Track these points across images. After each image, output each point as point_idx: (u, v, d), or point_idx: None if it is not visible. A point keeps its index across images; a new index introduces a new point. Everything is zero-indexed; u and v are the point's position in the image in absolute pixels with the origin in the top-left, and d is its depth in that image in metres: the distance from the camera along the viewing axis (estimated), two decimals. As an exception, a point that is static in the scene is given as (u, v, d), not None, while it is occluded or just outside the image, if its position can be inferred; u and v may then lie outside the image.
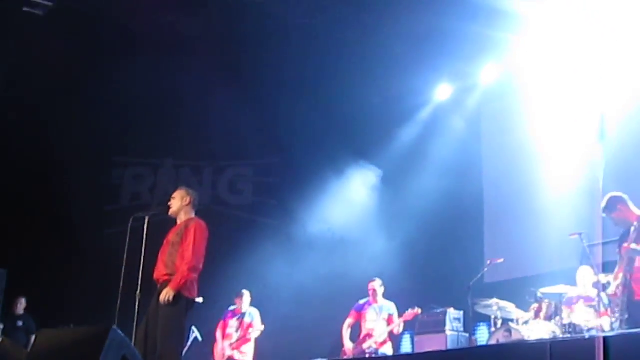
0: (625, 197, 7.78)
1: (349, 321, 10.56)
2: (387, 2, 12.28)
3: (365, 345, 10.27)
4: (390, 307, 10.58)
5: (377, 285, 10.60)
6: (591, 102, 10.84)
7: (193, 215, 7.69)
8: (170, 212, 7.69)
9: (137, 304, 7.43)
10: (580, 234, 8.79)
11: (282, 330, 11.40)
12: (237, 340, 10.78)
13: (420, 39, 12.30)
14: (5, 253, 11.22)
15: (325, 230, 12.95)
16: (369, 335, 10.36)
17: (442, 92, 13.54)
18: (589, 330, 8.49)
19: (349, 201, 13.25)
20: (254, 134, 13.92)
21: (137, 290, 7.46)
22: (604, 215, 7.88)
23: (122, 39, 13.14)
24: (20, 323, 12.05)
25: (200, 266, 7.36)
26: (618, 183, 9.09)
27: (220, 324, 11.06)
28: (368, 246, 12.88)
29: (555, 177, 11.38)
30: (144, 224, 7.76)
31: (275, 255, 12.75)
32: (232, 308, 11.12)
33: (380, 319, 10.44)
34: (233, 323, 10.92)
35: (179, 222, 7.66)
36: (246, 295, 11.02)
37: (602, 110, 10.34)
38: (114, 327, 6.72)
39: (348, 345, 10.35)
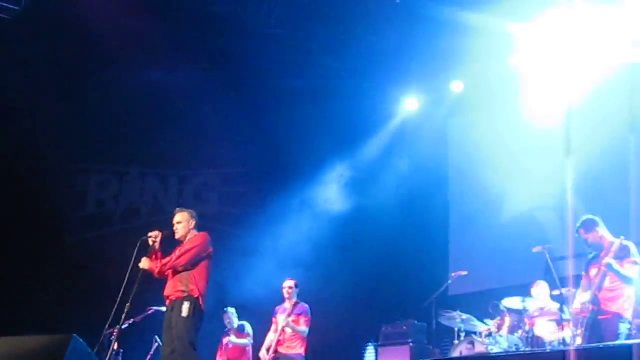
0: (599, 220, 7.92)
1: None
2: (356, 17, 12.36)
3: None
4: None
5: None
6: (558, 117, 10.95)
7: (196, 232, 7.96)
8: (178, 236, 7.90)
9: (124, 315, 7.56)
10: (543, 247, 8.88)
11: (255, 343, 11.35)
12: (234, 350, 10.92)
13: (389, 52, 12.39)
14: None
15: (290, 240, 12.91)
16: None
17: (409, 104, 13.61)
18: (550, 343, 8.57)
19: (316, 213, 13.24)
20: (221, 143, 13.89)
21: (126, 302, 7.52)
22: (577, 235, 7.97)
23: (92, 46, 13.05)
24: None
25: (181, 269, 7.63)
26: (584, 199, 9.21)
27: (219, 351, 11.18)
28: (334, 259, 12.86)
29: (521, 192, 11.48)
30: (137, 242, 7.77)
31: (239, 265, 12.70)
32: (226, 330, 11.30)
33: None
34: (232, 339, 11.10)
35: (184, 242, 7.89)
36: (232, 313, 11.24)
37: (569, 125, 10.44)
38: (75, 336, 6.64)
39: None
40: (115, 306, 7.52)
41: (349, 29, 12.69)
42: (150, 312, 9.75)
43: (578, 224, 7.94)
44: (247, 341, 11.06)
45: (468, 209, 12.87)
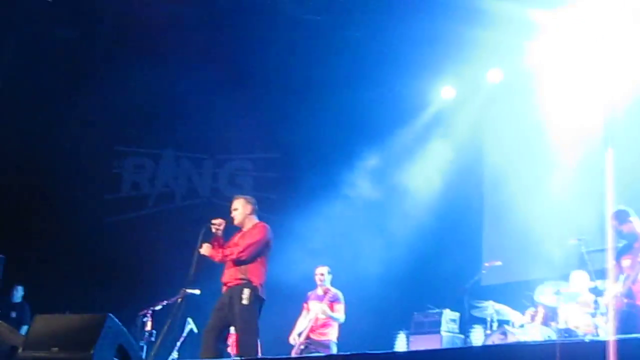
0: (631, 210, 7.86)
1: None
2: (392, 3, 12.31)
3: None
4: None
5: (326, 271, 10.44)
6: (598, 107, 10.83)
7: (257, 220, 8.04)
8: (236, 222, 7.99)
9: (182, 299, 7.76)
10: (579, 240, 8.80)
11: (278, 327, 11.36)
12: None
13: (426, 41, 12.32)
14: (4, 240, 11.21)
15: (324, 228, 12.91)
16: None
17: (446, 93, 13.54)
18: (584, 335, 8.50)
19: (349, 199, 13.22)
20: (255, 128, 13.91)
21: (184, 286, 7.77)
22: (611, 225, 7.91)
23: (128, 31, 13.14)
24: (13, 314, 11.99)
25: (250, 258, 7.71)
26: (622, 191, 9.09)
27: None
28: (367, 246, 12.85)
29: (557, 182, 11.37)
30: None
31: (274, 251, 12.73)
32: None
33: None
34: None
35: (244, 229, 7.97)
36: None
37: (609, 116, 10.33)
38: (111, 315, 6.73)
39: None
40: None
41: (385, 15, 12.64)
42: (187, 292, 9.81)
43: (612, 216, 7.87)
44: None
45: (503, 199, 12.77)
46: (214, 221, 7.83)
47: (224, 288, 7.76)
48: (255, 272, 7.68)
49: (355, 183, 13.18)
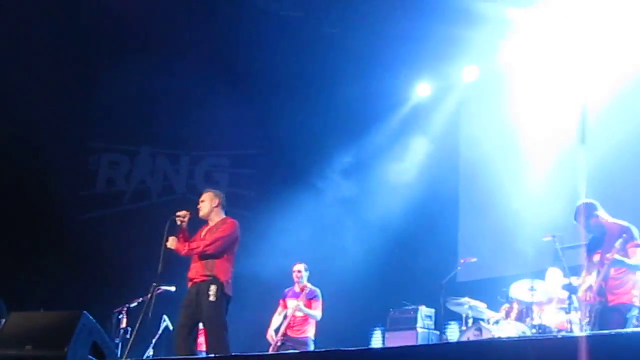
0: (597, 203, 7.87)
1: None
2: (369, 1, 12.33)
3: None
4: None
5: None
6: (572, 105, 10.91)
7: (224, 215, 8.02)
8: (201, 214, 7.97)
9: (151, 295, 7.59)
10: (553, 236, 8.85)
11: (253, 324, 11.34)
12: None
13: (403, 38, 12.37)
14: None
15: (300, 224, 12.92)
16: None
17: (422, 90, 13.60)
18: (558, 331, 8.57)
19: (325, 196, 13.23)
20: (232, 125, 13.88)
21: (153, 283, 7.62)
22: (576, 222, 7.92)
23: (104, 26, 13.07)
24: (-12, 308, 11.90)
25: (216, 253, 7.68)
26: (599, 188, 9.18)
27: None
28: (343, 242, 12.88)
29: (532, 179, 11.45)
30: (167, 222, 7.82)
31: (248, 247, 12.71)
32: None
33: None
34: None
35: (210, 223, 7.94)
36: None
37: (584, 114, 10.41)
38: (85, 312, 6.70)
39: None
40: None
41: (362, 13, 12.66)
42: (159, 291, 9.76)
43: (579, 211, 7.83)
44: None
45: (478, 196, 12.86)
46: (178, 213, 7.80)
47: (190, 283, 7.74)
48: (221, 269, 7.65)
49: (331, 180, 13.20)
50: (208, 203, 7.96)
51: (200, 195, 8.12)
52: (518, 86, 12.28)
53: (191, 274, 7.74)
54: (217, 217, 7.95)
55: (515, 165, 11.89)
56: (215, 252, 7.66)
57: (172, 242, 7.70)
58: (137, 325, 7.45)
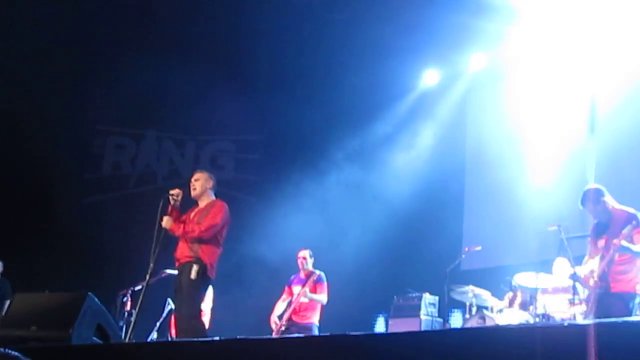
0: (604, 189, 7.83)
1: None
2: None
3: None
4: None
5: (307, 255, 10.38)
6: (580, 94, 10.87)
7: (214, 197, 7.97)
8: (194, 194, 7.91)
9: (148, 275, 7.54)
10: (559, 226, 8.83)
11: (258, 309, 11.36)
12: None
13: (410, 25, 12.32)
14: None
15: (305, 210, 12.92)
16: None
17: (429, 77, 13.56)
18: (562, 320, 8.57)
19: (330, 182, 13.22)
20: (238, 110, 13.88)
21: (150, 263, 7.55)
22: (582, 207, 7.89)
23: (113, 13, 13.07)
24: (-5, 289, 11.95)
25: (210, 238, 7.65)
26: (606, 176, 9.14)
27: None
28: (348, 229, 12.88)
29: (538, 168, 11.43)
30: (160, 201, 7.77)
31: (253, 232, 12.73)
32: None
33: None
34: None
35: (200, 204, 7.90)
36: None
37: (593, 103, 10.36)
38: (90, 294, 6.72)
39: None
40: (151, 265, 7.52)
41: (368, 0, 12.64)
42: (163, 275, 9.78)
43: (587, 197, 7.73)
44: (205, 305, 10.63)
45: (484, 184, 12.84)
46: (172, 192, 7.76)
47: (177, 264, 7.74)
48: (207, 251, 7.61)
49: (337, 166, 13.18)
50: (202, 183, 7.90)
51: (192, 174, 8.06)
52: (526, 75, 12.24)
53: (177, 253, 7.72)
54: (207, 198, 7.89)
55: (522, 154, 11.87)
56: (211, 236, 7.63)
57: (167, 222, 7.63)
58: (138, 308, 7.45)
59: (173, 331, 10.41)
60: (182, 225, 7.66)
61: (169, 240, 7.73)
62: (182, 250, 7.67)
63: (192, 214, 7.84)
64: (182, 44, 13.59)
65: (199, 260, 7.53)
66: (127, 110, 14.51)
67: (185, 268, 7.55)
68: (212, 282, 7.78)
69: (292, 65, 13.80)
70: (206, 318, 10.58)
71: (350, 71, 13.28)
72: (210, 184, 7.95)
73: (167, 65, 13.55)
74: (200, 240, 7.61)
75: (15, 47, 12.78)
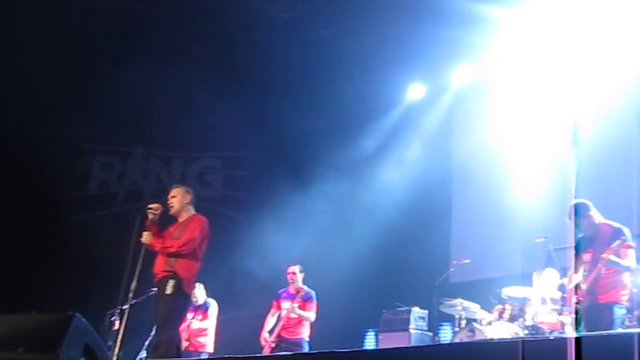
0: (590, 204, 7.89)
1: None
2: (362, 3, 12.34)
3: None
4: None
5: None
6: (564, 106, 10.90)
7: (193, 211, 7.93)
8: (172, 212, 7.88)
9: (131, 294, 7.50)
10: (546, 237, 8.88)
11: (247, 325, 11.33)
12: (194, 329, 10.60)
13: (394, 39, 12.37)
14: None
15: (293, 226, 12.91)
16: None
17: (414, 91, 13.62)
18: (551, 332, 8.59)
19: (318, 197, 13.22)
20: (225, 126, 13.88)
21: (131, 280, 7.49)
22: (569, 221, 7.93)
23: (98, 26, 13.05)
24: (-19, 308, 11.87)
25: (188, 252, 7.61)
26: (589, 189, 9.16)
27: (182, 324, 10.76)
28: (336, 244, 12.87)
29: (525, 180, 11.47)
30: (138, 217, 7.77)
31: (243, 248, 12.73)
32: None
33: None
34: (190, 315, 10.72)
35: (180, 219, 7.86)
36: (198, 287, 10.82)
37: (576, 115, 10.38)
38: (78, 314, 6.69)
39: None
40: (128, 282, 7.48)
41: (354, 14, 12.66)
42: (151, 293, 9.74)
43: (571, 211, 7.70)
44: (208, 323, 10.66)
45: (471, 197, 12.88)
46: (150, 205, 7.74)
47: (155, 279, 7.68)
48: (184, 265, 7.56)
49: (324, 181, 13.19)
50: (179, 199, 7.88)
51: (169, 192, 8.03)
52: (509, 87, 12.30)
53: (155, 268, 7.66)
54: (186, 213, 7.86)
55: (507, 166, 11.91)
56: (189, 252, 7.58)
57: (146, 237, 7.60)
58: (123, 328, 7.39)
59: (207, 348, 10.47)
60: (161, 240, 7.62)
61: (151, 256, 7.70)
62: (159, 265, 7.62)
63: (172, 229, 7.80)
64: (167, 61, 13.58)
65: (175, 275, 7.47)
66: (114, 128, 14.46)
67: (161, 284, 7.50)
68: (188, 298, 7.72)
69: (278, 82, 13.83)
70: (210, 336, 10.61)
71: (336, 86, 13.29)
72: (188, 198, 7.91)
73: (153, 83, 13.56)
74: (178, 255, 7.55)
75: (0, 65, 12.75)
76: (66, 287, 12.18)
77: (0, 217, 13.18)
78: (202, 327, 10.56)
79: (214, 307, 10.74)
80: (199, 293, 10.76)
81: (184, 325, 10.52)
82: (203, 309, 10.68)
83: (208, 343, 10.59)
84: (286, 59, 13.41)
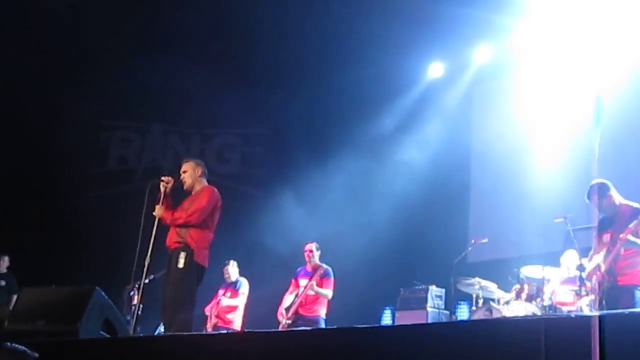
0: (610, 184, 7.83)
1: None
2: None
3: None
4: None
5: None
6: (587, 87, 10.83)
7: (205, 183, 7.86)
8: (186, 186, 7.81)
9: (145, 269, 7.37)
10: (565, 218, 8.82)
11: (266, 302, 11.35)
12: (224, 306, 10.66)
13: (415, 18, 12.29)
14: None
15: (311, 203, 12.93)
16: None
17: (434, 70, 13.55)
18: (569, 312, 8.56)
19: (336, 175, 13.21)
20: (243, 103, 13.87)
21: (146, 255, 7.41)
22: (588, 201, 7.89)
23: (118, 6, 13.07)
24: (2, 282, 12.00)
25: (198, 222, 7.53)
26: (611, 169, 9.12)
27: (212, 301, 10.87)
28: (354, 222, 12.87)
29: (544, 160, 11.41)
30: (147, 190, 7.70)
31: (261, 225, 12.75)
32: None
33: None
34: (221, 292, 10.79)
35: (193, 192, 7.79)
36: (232, 265, 10.90)
37: (598, 95, 10.31)
38: (97, 288, 6.73)
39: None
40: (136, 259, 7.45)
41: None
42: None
43: (592, 191, 7.70)
44: (238, 301, 10.67)
45: (490, 176, 12.83)
46: (163, 178, 7.67)
47: (168, 251, 7.58)
48: (194, 236, 7.46)
49: (343, 159, 13.17)
50: (191, 172, 7.80)
51: (180, 166, 7.94)
52: (531, 67, 12.21)
53: (167, 240, 7.59)
54: (199, 185, 7.78)
55: (527, 146, 11.85)
56: (199, 221, 7.49)
57: (159, 211, 7.53)
58: (139, 303, 7.38)
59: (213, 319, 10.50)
60: (171, 213, 7.56)
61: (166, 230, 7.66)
62: (171, 237, 7.56)
63: (185, 203, 7.73)
64: (186, 39, 13.58)
65: (186, 247, 7.39)
66: (133, 105, 14.51)
67: (173, 256, 7.43)
68: (202, 269, 7.49)
69: (297, 59, 13.77)
70: (239, 314, 10.68)
71: (355, 64, 13.24)
72: (200, 171, 7.83)
73: (172, 60, 13.55)
74: (187, 225, 7.48)
75: (19, 42, 12.78)
76: (85, 262, 12.28)
77: (20, 194, 13.29)
78: (232, 304, 10.62)
79: (245, 285, 10.79)
80: (232, 271, 10.84)
81: (214, 302, 10.67)
82: (234, 286, 10.74)
83: (236, 320, 10.64)
84: (307, 37, 13.35)
